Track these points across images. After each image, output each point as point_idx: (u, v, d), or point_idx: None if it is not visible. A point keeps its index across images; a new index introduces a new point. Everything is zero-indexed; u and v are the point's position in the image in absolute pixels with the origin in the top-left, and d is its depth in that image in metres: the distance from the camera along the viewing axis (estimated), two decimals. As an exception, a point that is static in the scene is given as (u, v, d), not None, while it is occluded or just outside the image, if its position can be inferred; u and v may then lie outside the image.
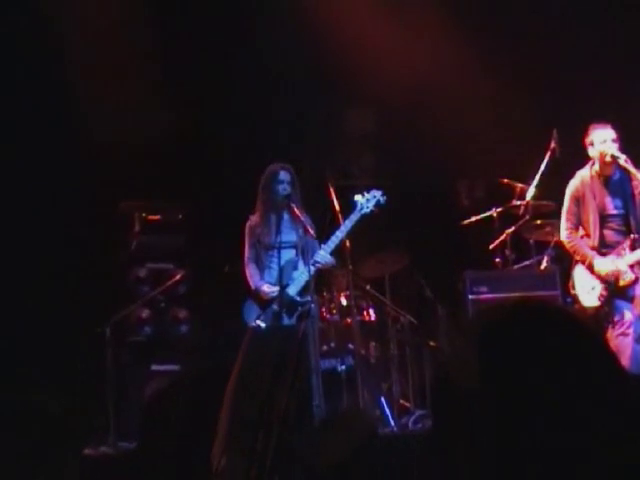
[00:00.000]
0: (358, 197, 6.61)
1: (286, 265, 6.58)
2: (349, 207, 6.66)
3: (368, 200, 6.61)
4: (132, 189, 7.88)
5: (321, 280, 7.00)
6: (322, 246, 6.53)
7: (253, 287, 6.55)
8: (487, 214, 7.47)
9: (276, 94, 8.32)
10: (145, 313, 7.48)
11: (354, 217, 6.54)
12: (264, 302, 6.50)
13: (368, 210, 6.58)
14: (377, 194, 6.65)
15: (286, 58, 8.19)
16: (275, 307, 6.44)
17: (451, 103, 8.21)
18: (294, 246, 6.63)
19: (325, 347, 6.92)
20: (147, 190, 7.88)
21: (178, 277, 7.52)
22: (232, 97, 8.35)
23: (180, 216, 7.89)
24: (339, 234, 6.50)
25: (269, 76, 8.36)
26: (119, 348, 7.20)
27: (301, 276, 6.52)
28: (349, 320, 7.15)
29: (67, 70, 7.80)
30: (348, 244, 6.55)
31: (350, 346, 6.91)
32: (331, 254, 6.51)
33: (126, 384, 7.15)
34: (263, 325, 6.47)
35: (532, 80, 8.18)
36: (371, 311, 7.54)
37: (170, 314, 7.59)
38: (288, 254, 6.62)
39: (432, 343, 7.59)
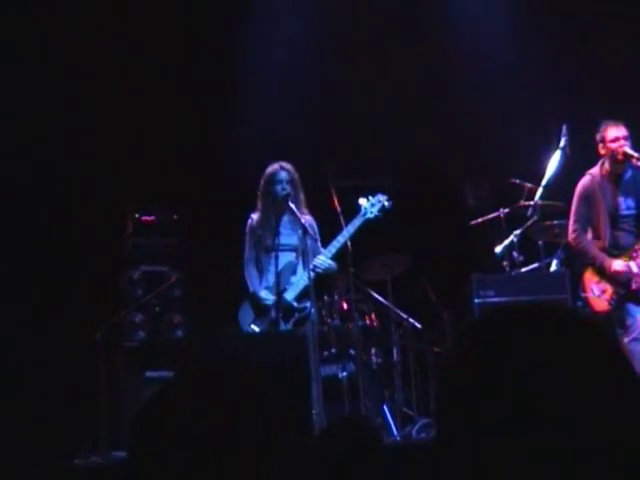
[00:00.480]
0: (362, 201, 6.58)
1: (284, 269, 6.56)
2: (350, 208, 6.65)
3: (373, 205, 6.58)
4: (125, 189, 7.87)
5: (321, 283, 6.98)
6: (322, 251, 6.51)
7: (250, 290, 6.54)
8: (494, 215, 7.45)
9: (275, 92, 8.32)
10: (139, 317, 7.47)
11: (357, 222, 6.51)
12: (260, 307, 6.49)
13: (372, 215, 6.56)
14: (382, 199, 6.62)
15: (285, 55, 8.20)
16: (272, 312, 6.43)
17: (456, 99, 8.20)
18: (294, 249, 6.61)
19: (325, 353, 6.90)
20: (141, 190, 7.87)
21: (173, 280, 7.51)
22: (229, 96, 8.35)
23: (175, 217, 7.87)
24: (341, 239, 6.47)
25: (267, 74, 8.37)
26: (112, 354, 7.18)
27: (299, 281, 6.50)
28: (350, 325, 7.13)
29: (66, 69, 7.81)
30: (349, 245, 6.54)
31: (351, 352, 6.89)
32: (332, 259, 6.50)
33: (119, 391, 7.13)
34: (258, 330, 6.46)
35: (542, 75, 8.18)
36: (373, 315, 7.52)
37: (165, 318, 7.57)
38: (287, 257, 6.60)
39: (436, 349, 7.57)
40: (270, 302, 6.43)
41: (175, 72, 8.22)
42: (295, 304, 6.47)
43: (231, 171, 8.11)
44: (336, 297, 7.30)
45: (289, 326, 6.47)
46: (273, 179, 6.58)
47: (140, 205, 7.81)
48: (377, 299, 7.48)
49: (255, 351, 6.06)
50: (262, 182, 6.65)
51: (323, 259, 6.46)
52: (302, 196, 6.62)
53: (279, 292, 6.47)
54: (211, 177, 8.30)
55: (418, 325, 7.43)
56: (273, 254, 6.52)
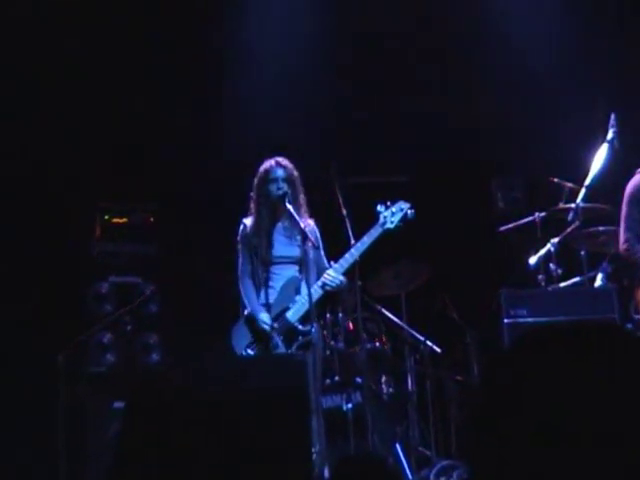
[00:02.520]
0: (381, 209, 6.57)
1: (286, 285, 6.55)
2: (355, 209, 6.64)
3: (393, 214, 6.57)
4: (93, 187, 7.88)
5: (325, 299, 6.98)
6: (332, 265, 6.49)
7: (248, 311, 6.51)
8: (528, 219, 7.46)
9: (271, 79, 8.37)
10: (107, 338, 7.49)
11: (374, 232, 6.50)
12: (259, 330, 6.47)
13: (392, 226, 6.54)
14: (404, 207, 6.62)
15: (282, 44, 8.27)
16: (273, 337, 6.41)
17: (484, 84, 8.22)
18: (296, 262, 6.60)
19: (328, 381, 6.90)
20: (111, 188, 7.88)
21: (148, 294, 7.52)
22: (216, 87, 8.39)
23: (151, 219, 7.89)
24: (354, 251, 6.45)
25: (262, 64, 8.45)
26: (75, 380, 7.19)
27: (305, 299, 6.47)
28: (357, 348, 7.13)
29: (34, 67, 7.87)
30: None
31: (358, 380, 6.90)
32: (343, 274, 6.48)
33: (82, 424, 7.13)
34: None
35: (587, 56, 8.18)
36: (384, 337, 7.53)
37: (138, 339, 7.59)
38: (289, 271, 6.59)
39: (459, 377, 7.57)
40: (268, 328, 6.41)
41: (167, 68, 8.27)
42: (300, 327, 6.45)
43: (219, 167, 8.12)
44: (341, 315, 7.28)
45: (292, 351, 6.46)
46: (268, 177, 6.56)
47: (110, 205, 7.82)
48: (389, 318, 7.48)
49: (244, 378, 6.05)
50: (255, 181, 6.63)
51: (334, 275, 6.44)
52: (302, 198, 6.61)
53: (278, 314, 6.45)
54: (194, 174, 8.30)
55: (437, 349, 7.43)
56: (270, 267, 6.51)
